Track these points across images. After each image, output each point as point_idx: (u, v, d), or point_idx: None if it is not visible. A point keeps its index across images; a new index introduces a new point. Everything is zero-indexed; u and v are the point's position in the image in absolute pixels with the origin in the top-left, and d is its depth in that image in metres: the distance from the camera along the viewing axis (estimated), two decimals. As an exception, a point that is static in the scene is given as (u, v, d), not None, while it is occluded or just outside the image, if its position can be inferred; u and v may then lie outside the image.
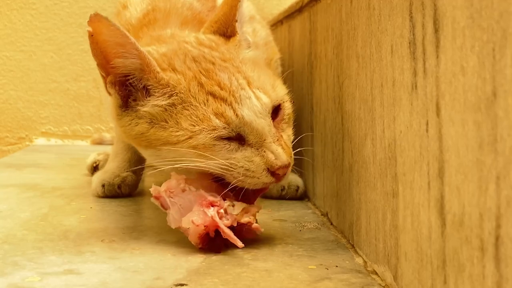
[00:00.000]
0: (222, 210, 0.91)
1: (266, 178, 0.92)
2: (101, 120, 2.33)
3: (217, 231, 0.91)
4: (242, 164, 0.91)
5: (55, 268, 0.83)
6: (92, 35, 0.91)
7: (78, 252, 0.90)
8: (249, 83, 0.94)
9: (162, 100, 0.93)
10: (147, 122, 0.94)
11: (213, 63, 0.95)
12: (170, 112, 0.92)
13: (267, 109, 0.93)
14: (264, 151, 0.91)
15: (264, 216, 1.14)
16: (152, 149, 0.94)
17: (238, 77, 0.94)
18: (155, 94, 0.93)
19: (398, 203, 0.73)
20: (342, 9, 1.00)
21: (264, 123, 0.92)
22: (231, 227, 0.91)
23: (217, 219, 0.90)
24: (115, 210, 1.19)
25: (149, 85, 0.93)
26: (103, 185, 1.30)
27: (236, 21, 1.00)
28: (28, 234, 1.00)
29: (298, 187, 1.32)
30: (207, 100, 0.91)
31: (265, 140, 0.92)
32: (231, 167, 0.91)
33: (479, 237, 0.51)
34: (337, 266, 0.85)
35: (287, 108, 0.99)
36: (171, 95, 0.92)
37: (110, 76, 0.95)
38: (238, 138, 0.92)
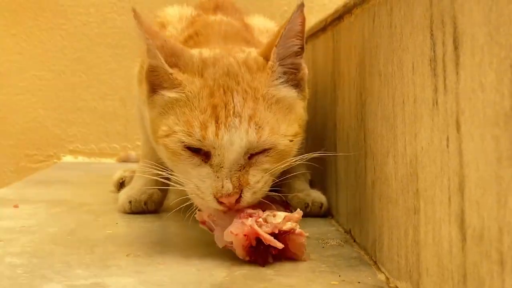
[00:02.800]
0: (261, 219, 0.93)
1: (213, 204, 0.95)
2: (127, 139, 2.36)
3: (261, 242, 0.92)
4: (195, 181, 0.96)
5: (81, 281, 0.85)
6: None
7: (104, 266, 0.92)
8: (252, 116, 0.95)
9: (171, 93, 0.99)
10: (157, 110, 1.01)
11: (238, 84, 0.98)
12: (172, 104, 0.99)
13: (247, 146, 0.94)
14: (218, 176, 0.94)
15: (288, 233, 1.15)
16: (155, 143, 1.03)
17: (247, 106, 0.96)
18: (170, 88, 1.00)
19: (419, 219, 0.73)
20: (364, 28, 1.01)
21: (232, 156, 0.94)
22: (272, 235, 0.92)
23: (255, 226, 0.92)
24: (141, 226, 1.21)
25: (166, 81, 1.00)
26: (129, 201, 1.32)
27: (276, 46, 1.00)
28: (56, 248, 1.02)
29: (322, 204, 1.33)
30: (206, 110, 0.95)
31: (222, 167, 0.94)
32: (186, 178, 0.98)
33: (499, 251, 0.52)
34: (359, 282, 0.86)
35: (279, 146, 0.98)
36: (179, 92, 0.98)
37: (148, 64, 1.03)
38: (205, 154, 0.96)
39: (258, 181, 0.97)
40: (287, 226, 0.94)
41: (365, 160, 1.01)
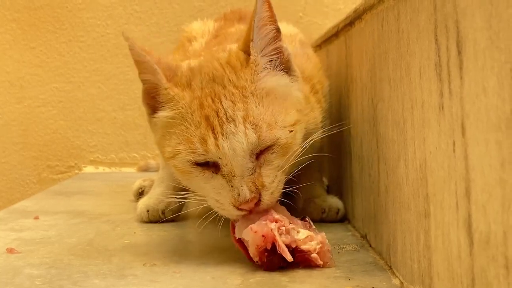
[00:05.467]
0: (283, 228, 0.94)
1: (234, 212, 0.96)
2: (146, 148, 2.38)
3: (275, 249, 0.93)
4: (212, 195, 0.97)
5: (98, 291, 0.86)
6: (130, 50, 1.02)
7: (121, 276, 0.93)
8: (245, 117, 0.95)
9: (167, 112, 1.00)
10: (160, 131, 1.03)
11: (225, 87, 0.97)
12: (170, 124, 0.99)
13: (250, 148, 0.94)
14: (232, 185, 0.95)
15: (304, 239, 1.16)
16: (166, 165, 1.05)
17: (238, 108, 0.95)
18: (165, 106, 1.01)
19: (430, 223, 0.74)
20: (374, 33, 1.02)
21: (239, 162, 0.94)
22: (288, 247, 0.93)
23: (276, 232, 0.92)
24: (158, 235, 1.22)
25: (162, 97, 1.01)
26: (147, 211, 1.33)
27: (252, 40, 0.99)
28: (74, 259, 1.04)
29: (338, 209, 1.33)
30: (200, 123, 0.96)
31: (234, 176, 0.94)
32: (203, 194, 0.99)
33: (504, 255, 0.52)
34: None
35: (282, 139, 0.97)
36: (173, 109, 0.99)
37: (144, 86, 1.05)
38: (214, 166, 0.96)
39: (273, 180, 0.97)
40: (306, 246, 0.94)
41: (378, 164, 1.01)
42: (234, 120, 0.94)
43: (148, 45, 2.49)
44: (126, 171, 2.37)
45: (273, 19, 1.01)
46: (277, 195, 0.98)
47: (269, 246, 0.93)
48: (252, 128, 0.94)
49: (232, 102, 0.96)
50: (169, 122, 1.00)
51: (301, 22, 2.30)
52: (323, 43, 1.64)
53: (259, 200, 0.95)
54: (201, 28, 1.37)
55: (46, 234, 1.24)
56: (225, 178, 0.95)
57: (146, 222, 1.33)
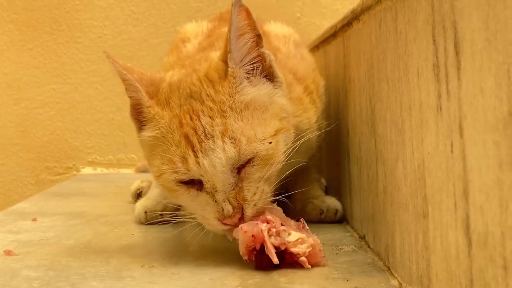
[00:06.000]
0: (274, 230, 0.94)
1: (220, 226, 0.97)
2: (145, 149, 2.37)
3: (264, 250, 0.93)
4: (199, 211, 0.98)
5: (96, 293, 0.86)
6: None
7: (119, 278, 0.93)
8: (224, 132, 0.94)
9: (150, 132, 1.00)
10: (148, 148, 1.02)
11: (203, 103, 0.96)
12: (154, 144, 0.99)
13: (229, 163, 0.94)
14: (216, 201, 0.95)
15: (302, 240, 1.16)
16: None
17: (216, 124, 0.94)
18: (148, 124, 1.01)
19: (428, 224, 0.73)
20: (372, 34, 1.02)
21: (220, 178, 0.94)
22: (277, 249, 0.93)
23: (265, 233, 0.93)
24: (156, 236, 1.22)
25: (145, 115, 1.01)
26: (145, 212, 1.33)
27: (229, 51, 0.97)
28: (72, 260, 1.03)
29: (337, 210, 1.33)
30: (180, 142, 0.95)
31: (216, 191, 0.95)
32: (192, 211, 1.00)
33: (502, 256, 0.52)
34: (372, 288, 0.86)
35: (261, 151, 0.96)
36: (155, 129, 0.99)
37: (131, 101, 1.04)
38: (199, 183, 0.96)
39: (255, 193, 0.97)
40: (296, 249, 0.94)
41: (376, 165, 1.01)
42: (212, 136, 0.94)
43: (145, 46, 2.49)
44: (124, 172, 2.37)
45: (252, 27, 0.99)
46: (261, 204, 0.98)
47: (258, 246, 0.93)
48: (231, 143, 0.94)
49: (210, 117, 0.95)
50: (152, 142, 1.00)
51: (299, 23, 2.30)
52: (321, 43, 1.64)
53: (242, 214, 0.96)
54: (194, 29, 1.37)
55: (44, 235, 1.23)
56: (209, 194, 0.96)
57: (144, 224, 1.32)
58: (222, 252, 1.04)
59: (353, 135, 1.22)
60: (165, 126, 0.98)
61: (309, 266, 0.95)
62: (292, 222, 0.99)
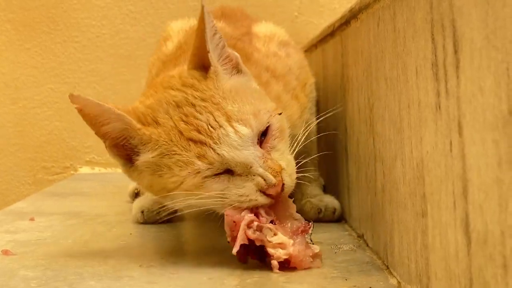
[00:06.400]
0: (256, 223, 0.93)
1: (262, 199, 0.94)
2: (143, 148, 2.37)
3: (252, 249, 0.93)
4: (235, 191, 0.94)
5: (94, 292, 0.86)
6: (80, 110, 0.97)
7: (117, 277, 0.93)
8: (228, 119, 0.94)
9: (151, 153, 0.96)
10: (149, 173, 0.98)
11: (194, 105, 0.96)
12: (161, 161, 0.95)
13: (249, 140, 0.94)
14: (253, 176, 0.94)
15: (301, 239, 1.15)
16: (163, 196, 0.99)
17: (217, 115, 0.94)
18: (144, 149, 0.97)
19: (427, 223, 0.73)
20: (370, 32, 1.02)
21: (246, 154, 0.93)
22: (251, 242, 0.92)
23: (243, 223, 0.92)
24: (154, 236, 1.21)
25: (136, 140, 0.97)
26: (142, 211, 1.33)
27: (209, 52, 0.98)
28: (70, 260, 1.03)
29: (335, 209, 1.33)
30: (189, 145, 0.93)
31: (251, 167, 0.93)
32: (224, 196, 0.94)
33: (502, 254, 0.52)
34: (370, 287, 0.86)
35: (275, 123, 0.98)
36: (156, 148, 0.96)
37: (107, 141, 1.00)
38: (227, 171, 0.94)
39: (287, 164, 0.97)
40: (273, 251, 0.93)
41: (374, 164, 1.01)
42: (220, 126, 0.93)
43: (143, 45, 2.48)
44: (121, 172, 2.36)
45: (217, 29, 1.00)
46: (294, 177, 0.98)
47: (235, 234, 0.92)
48: (240, 124, 0.94)
49: (209, 113, 0.95)
50: (158, 159, 0.96)
51: (296, 22, 2.30)
52: (319, 42, 1.64)
53: (283, 184, 0.95)
54: (178, 27, 1.36)
55: (42, 235, 1.23)
56: (243, 175, 0.94)
57: (142, 223, 1.32)
58: (220, 252, 1.04)
59: (351, 133, 1.22)
60: (166, 141, 0.95)
61: (278, 271, 0.92)
62: (295, 225, 0.97)
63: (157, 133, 0.96)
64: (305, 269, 0.94)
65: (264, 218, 0.94)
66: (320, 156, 1.45)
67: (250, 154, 0.94)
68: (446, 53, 0.64)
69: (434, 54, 0.68)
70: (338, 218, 1.32)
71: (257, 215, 0.94)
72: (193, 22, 1.35)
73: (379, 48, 0.95)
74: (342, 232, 1.22)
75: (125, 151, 0.99)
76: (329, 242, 1.13)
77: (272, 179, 0.93)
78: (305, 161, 1.06)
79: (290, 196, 1.01)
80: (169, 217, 1.33)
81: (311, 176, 1.38)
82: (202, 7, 0.95)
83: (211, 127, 0.94)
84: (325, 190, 1.43)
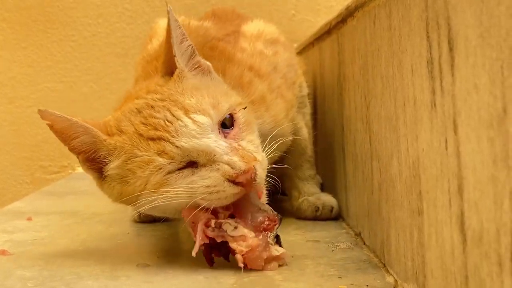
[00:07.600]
0: (213, 221, 0.92)
1: (231, 189, 0.91)
2: (140, 147, 2.37)
3: (216, 247, 0.93)
4: (201, 183, 0.91)
5: (91, 292, 0.86)
6: (51, 127, 0.97)
7: (114, 277, 0.93)
8: (186, 112, 0.93)
9: (116, 161, 0.96)
10: (117, 183, 0.97)
11: (153, 107, 0.95)
12: (126, 167, 0.95)
13: (208, 128, 0.92)
14: (218, 165, 0.91)
15: (298, 237, 1.16)
16: (134, 204, 0.98)
17: (174, 110, 0.93)
18: (111, 158, 0.96)
19: (423, 221, 0.73)
20: (366, 31, 1.01)
21: (206, 142, 0.91)
22: (212, 240, 0.92)
23: (200, 223, 0.92)
24: (151, 235, 1.21)
25: (104, 152, 0.97)
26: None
27: (175, 56, 0.98)
28: (67, 260, 1.03)
29: (332, 207, 1.33)
30: (149, 145, 0.93)
31: (214, 155, 0.91)
32: (191, 191, 0.91)
33: (497, 252, 0.52)
34: (367, 286, 0.86)
35: (241, 117, 0.98)
36: (121, 155, 0.95)
37: (80, 156, 1.00)
38: (191, 165, 0.92)
39: (257, 152, 0.95)
40: (233, 245, 0.91)
41: (371, 162, 1.01)
42: (178, 119, 0.92)
43: (140, 44, 2.48)
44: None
45: (185, 36, 1.00)
46: (266, 167, 0.96)
47: (194, 233, 0.92)
48: (197, 114, 0.93)
49: (166, 110, 0.94)
50: (123, 166, 0.95)
51: (293, 20, 2.30)
52: (316, 40, 1.64)
53: (255, 172, 0.91)
54: (165, 24, 1.36)
55: (39, 235, 1.23)
56: (207, 166, 0.92)
57: (139, 222, 1.32)
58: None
59: (348, 132, 1.22)
60: (128, 145, 0.94)
61: (241, 265, 0.91)
62: (259, 219, 0.94)
63: (121, 141, 0.95)
64: (258, 270, 0.92)
65: (222, 213, 0.93)
66: (317, 154, 1.45)
67: (211, 141, 0.92)
68: (441, 51, 0.64)
69: (429, 52, 0.68)
70: (336, 216, 1.32)
71: (214, 212, 0.93)
72: (187, 21, 1.34)
73: (375, 46, 0.95)
74: (339, 230, 1.22)
75: (97, 164, 0.99)
76: (327, 240, 1.13)
77: (241, 165, 0.91)
78: (300, 160, 1.06)
79: (286, 195, 1.01)
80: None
81: (308, 175, 1.38)
82: (168, 13, 0.96)
83: (169, 122, 0.93)
84: (323, 188, 1.43)
